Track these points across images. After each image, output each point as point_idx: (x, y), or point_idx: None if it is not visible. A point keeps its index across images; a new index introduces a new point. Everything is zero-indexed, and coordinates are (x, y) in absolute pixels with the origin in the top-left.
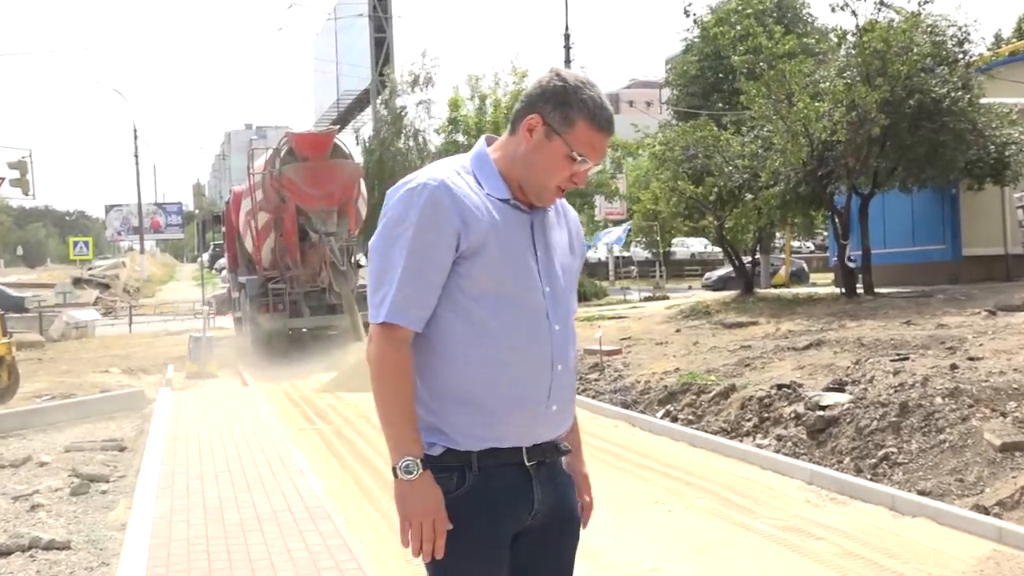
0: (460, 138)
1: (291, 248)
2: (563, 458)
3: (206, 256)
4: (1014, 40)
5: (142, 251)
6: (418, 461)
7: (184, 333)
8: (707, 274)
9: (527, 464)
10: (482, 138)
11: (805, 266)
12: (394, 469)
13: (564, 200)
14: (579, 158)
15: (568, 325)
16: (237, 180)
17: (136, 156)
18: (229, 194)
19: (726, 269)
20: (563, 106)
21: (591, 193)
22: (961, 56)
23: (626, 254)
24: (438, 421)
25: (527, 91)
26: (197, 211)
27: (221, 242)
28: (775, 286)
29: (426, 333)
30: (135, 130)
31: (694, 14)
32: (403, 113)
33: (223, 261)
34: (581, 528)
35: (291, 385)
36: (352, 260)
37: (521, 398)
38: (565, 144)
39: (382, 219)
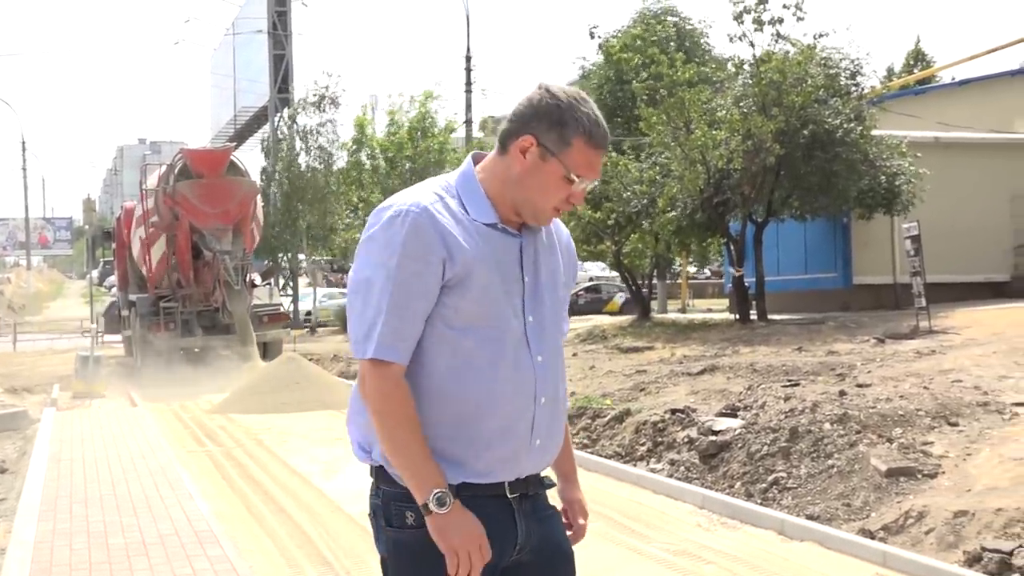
0: (364, 158)
1: (184, 266)
2: (552, 488)
3: (95, 273)
4: (904, 74)
5: (28, 267)
6: (447, 492)
7: (71, 351)
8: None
9: (509, 496)
10: (469, 156)
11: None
12: (425, 505)
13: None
14: (577, 179)
15: (553, 355)
16: (129, 196)
17: (24, 169)
18: (120, 210)
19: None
20: (558, 126)
21: None
22: (854, 88)
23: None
24: None
25: (516, 109)
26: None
27: (111, 259)
28: (609, 313)
29: (411, 367)
30: (23, 142)
31: (599, 36)
32: (307, 133)
33: (113, 278)
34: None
35: (181, 406)
36: (247, 279)
37: (504, 434)
38: (562, 165)
39: (363, 245)
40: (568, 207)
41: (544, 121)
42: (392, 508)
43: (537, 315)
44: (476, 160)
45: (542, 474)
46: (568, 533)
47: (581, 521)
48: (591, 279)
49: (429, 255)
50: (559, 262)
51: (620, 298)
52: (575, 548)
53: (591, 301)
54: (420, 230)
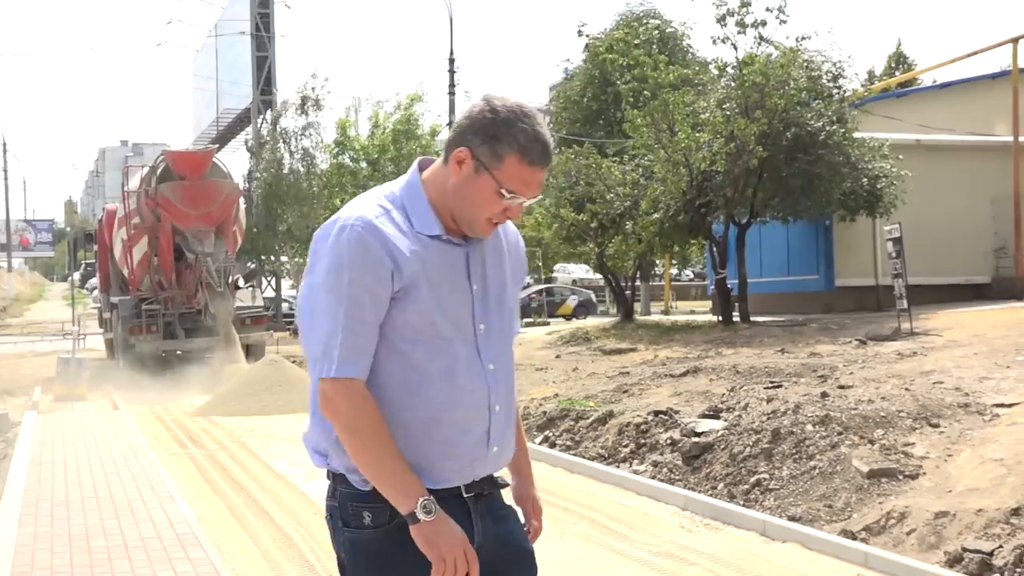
0: (347, 160)
1: (166, 268)
2: (506, 488)
3: (77, 275)
4: (886, 77)
5: (9, 269)
6: (432, 499)
7: (52, 354)
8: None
9: (464, 496)
10: (415, 163)
11: (593, 297)
12: (411, 514)
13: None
14: (508, 195)
15: (504, 361)
16: (111, 198)
17: (4, 171)
18: (102, 212)
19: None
20: (492, 140)
21: None
22: (836, 91)
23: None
24: None
25: (458, 120)
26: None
27: (93, 261)
28: (563, 316)
29: (367, 379)
30: (4, 143)
31: (587, 36)
32: (290, 136)
33: (95, 281)
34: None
35: (164, 409)
36: (229, 281)
37: (459, 444)
38: (493, 180)
39: (312, 262)
40: (504, 220)
41: (479, 135)
42: (349, 509)
43: (488, 323)
44: (422, 166)
45: (496, 474)
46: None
47: (535, 523)
48: (574, 281)
49: (378, 268)
50: (507, 265)
51: (572, 301)
52: (560, 547)
53: (544, 304)
54: (367, 245)
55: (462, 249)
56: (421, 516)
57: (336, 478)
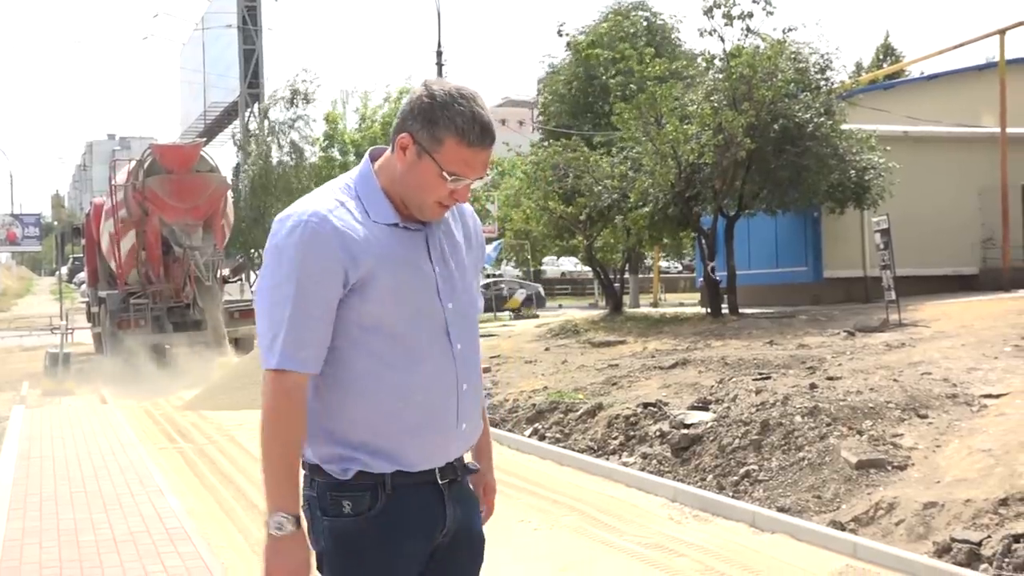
0: (336, 154)
1: (154, 262)
2: (466, 475)
3: (65, 269)
4: (873, 69)
5: None
6: (291, 518)
7: (40, 348)
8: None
9: (440, 482)
10: (367, 154)
11: (541, 290)
12: (266, 522)
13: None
14: (451, 178)
15: (470, 340)
16: (98, 192)
17: None
18: (90, 206)
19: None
20: (430, 124)
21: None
22: (823, 83)
23: (497, 272)
24: (349, 450)
25: (401, 106)
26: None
27: (81, 255)
28: (510, 310)
29: (329, 371)
30: None
31: (567, 34)
32: (279, 129)
33: (83, 275)
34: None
35: (152, 403)
36: (218, 275)
37: (430, 424)
38: (435, 163)
39: (266, 255)
40: (452, 202)
41: (418, 119)
42: (328, 498)
43: (455, 302)
44: (374, 156)
45: (466, 459)
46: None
47: (488, 503)
48: (563, 274)
49: (329, 263)
50: (467, 244)
51: (520, 295)
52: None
53: (492, 298)
54: (319, 239)
55: (420, 234)
56: (271, 530)
57: (312, 468)
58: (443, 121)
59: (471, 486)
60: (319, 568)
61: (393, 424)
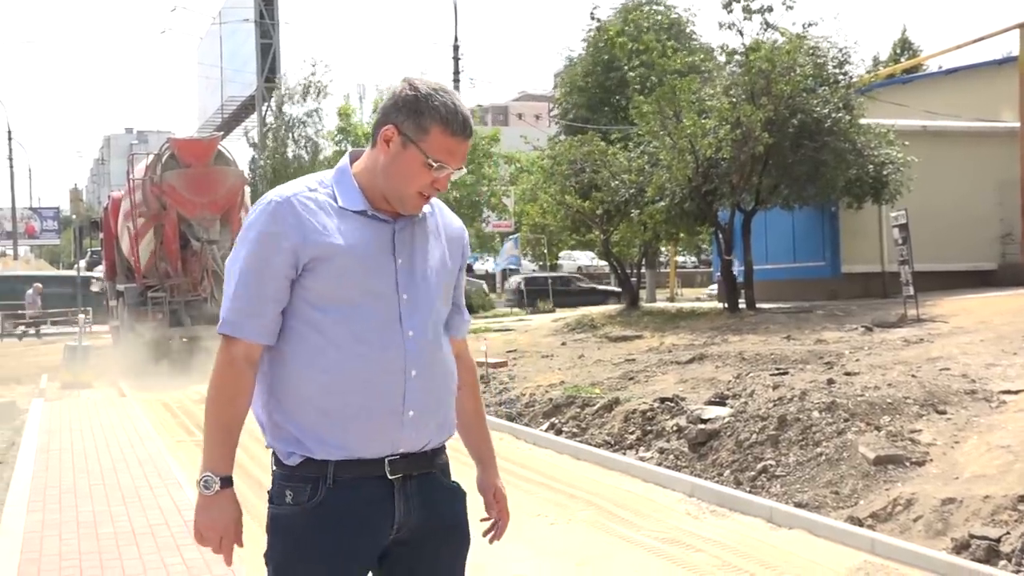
0: (349, 147)
1: (172, 256)
2: (441, 471)
3: (83, 263)
4: (891, 63)
5: (15, 256)
6: (217, 478)
7: (58, 342)
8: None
9: (390, 477)
10: (347, 153)
11: (484, 287)
12: (198, 481)
13: (446, 209)
14: (435, 164)
15: (428, 331)
16: (116, 185)
17: (10, 159)
18: (108, 200)
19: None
20: (416, 115)
21: (481, 204)
22: (842, 77)
23: (514, 267)
24: (295, 431)
25: (383, 102)
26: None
27: (99, 249)
28: None
29: (280, 346)
30: (9, 132)
31: (598, 19)
32: (292, 123)
33: (101, 268)
34: (496, 540)
35: (170, 396)
36: None
37: (371, 405)
38: (420, 152)
39: (239, 233)
40: (433, 192)
41: (403, 111)
42: (275, 486)
43: (412, 294)
44: (353, 157)
45: (440, 460)
46: (482, 519)
47: (497, 512)
48: (579, 268)
49: (281, 240)
50: (444, 250)
51: (472, 287)
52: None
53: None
54: (277, 217)
55: (389, 226)
56: (199, 488)
57: (272, 454)
58: (428, 111)
59: (475, 490)
60: (264, 556)
61: (333, 403)
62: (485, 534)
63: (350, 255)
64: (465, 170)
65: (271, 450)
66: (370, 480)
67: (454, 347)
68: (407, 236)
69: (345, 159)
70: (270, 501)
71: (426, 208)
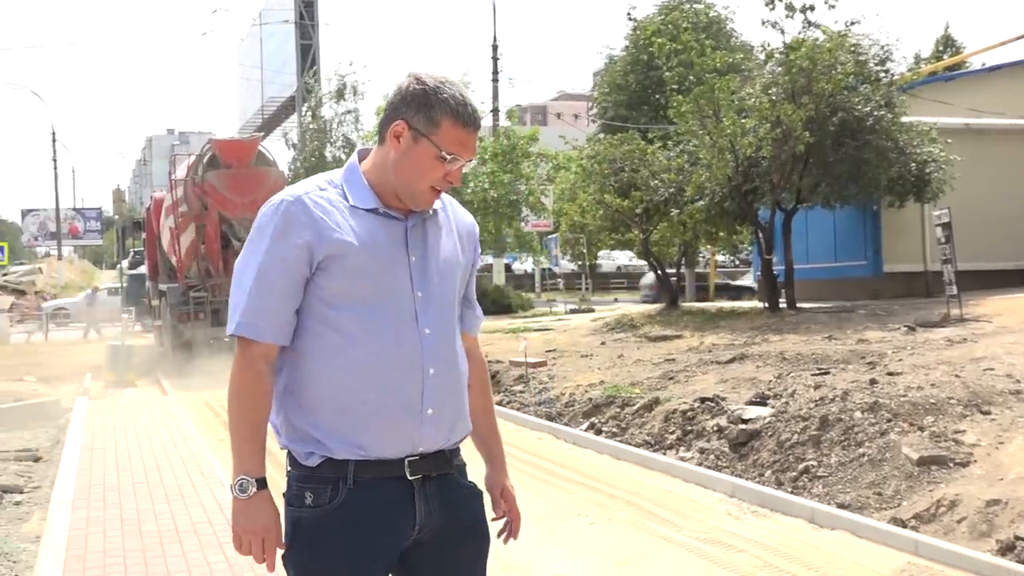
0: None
1: (213, 256)
2: (458, 471)
3: (126, 263)
4: (933, 61)
5: (60, 257)
6: (253, 480)
7: (102, 341)
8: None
9: (410, 478)
10: (355, 151)
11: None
12: (231, 486)
13: (457, 205)
14: (448, 157)
15: (444, 329)
16: (158, 186)
17: (54, 160)
18: (150, 200)
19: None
20: (425, 108)
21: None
22: (883, 75)
23: (552, 266)
24: (314, 431)
25: (390, 99)
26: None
27: (141, 249)
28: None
29: (296, 345)
30: (53, 133)
31: (635, 20)
32: (329, 125)
33: (143, 268)
34: (511, 539)
35: (212, 395)
36: None
37: (388, 403)
38: (433, 145)
39: (250, 234)
40: (446, 186)
41: (412, 105)
42: (294, 488)
43: (426, 291)
44: (361, 156)
45: (457, 461)
46: (493, 518)
47: (499, 512)
48: (618, 268)
49: (294, 239)
50: (456, 245)
51: None
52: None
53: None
54: (289, 217)
55: (401, 223)
56: (235, 492)
57: (288, 456)
58: (438, 104)
59: (484, 488)
60: (283, 559)
61: (353, 400)
62: (500, 534)
63: (364, 253)
64: (475, 162)
65: (286, 451)
66: (390, 481)
67: (465, 343)
68: (420, 233)
69: (354, 157)
70: (288, 504)
71: (437, 204)
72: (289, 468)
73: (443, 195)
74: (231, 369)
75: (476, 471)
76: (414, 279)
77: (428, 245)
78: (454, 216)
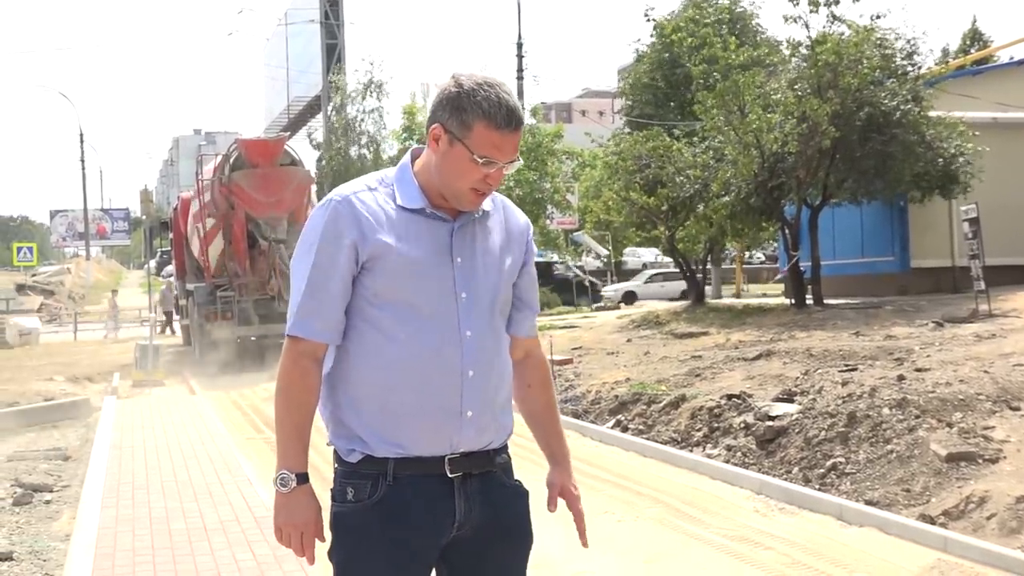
0: (415, 145)
1: (240, 255)
2: (502, 469)
3: (153, 263)
4: (961, 55)
5: (88, 257)
6: (294, 475)
7: (130, 340)
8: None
9: (450, 476)
10: (409, 151)
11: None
12: (274, 480)
13: (510, 205)
14: (481, 160)
15: (487, 331)
16: (185, 186)
17: (82, 161)
18: (177, 200)
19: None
20: (459, 112)
21: (545, 201)
22: (910, 69)
23: (578, 263)
24: (356, 428)
25: (432, 101)
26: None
27: (168, 249)
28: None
29: (343, 343)
30: (81, 134)
31: (654, 20)
32: (355, 123)
33: (170, 268)
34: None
35: (239, 394)
36: None
37: (428, 404)
38: (466, 149)
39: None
40: (487, 187)
41: (447, 109)
42: (337, 484)
43: (470, 293)
44: (414, 155)
45: (500, 459)
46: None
47: (552, 508)
48: (644, 265)
49: (342, 238)
50: (505, 246)
51: None
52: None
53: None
54: (338, 216)
55: (447, 224)
56: (276, 486)
57: (334, 452)
58: (470, 107)
59: (546, 485)
60: (327, 552)
61: (393, 399)
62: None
63: (407, 254)
64: (521, 161)
65: (332, 448)
66: (430, 478)
67: (523, 345)
68: (466, 234)
69: (407, 157)
70: (332, 499)
71: (487, 205)
72: (335, 465)
73: (498, 196)
74: (279, 366)
75: (530, 471)
76: (457, 280)
77: (475, 247)
78: (506, 217)
